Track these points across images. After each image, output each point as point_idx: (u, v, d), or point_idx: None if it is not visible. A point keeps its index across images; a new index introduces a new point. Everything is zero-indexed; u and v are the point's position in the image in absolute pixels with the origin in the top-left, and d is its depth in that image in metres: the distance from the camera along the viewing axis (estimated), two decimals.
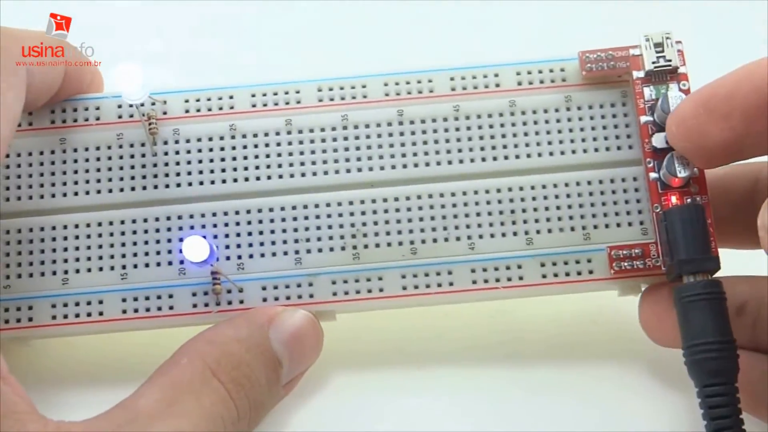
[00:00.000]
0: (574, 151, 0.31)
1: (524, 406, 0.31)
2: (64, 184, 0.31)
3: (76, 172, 0.31)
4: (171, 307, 0.30)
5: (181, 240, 0.30)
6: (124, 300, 0.30)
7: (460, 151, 0.31)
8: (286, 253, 0.30)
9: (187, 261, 0.30)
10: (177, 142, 0.31)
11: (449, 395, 0.31)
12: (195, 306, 0.30)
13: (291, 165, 0.31)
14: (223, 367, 0.27)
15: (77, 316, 0.30)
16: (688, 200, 0.29)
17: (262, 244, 0.30)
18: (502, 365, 0.32)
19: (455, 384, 0.32)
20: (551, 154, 0.31)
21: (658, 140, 0.30)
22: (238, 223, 0.31)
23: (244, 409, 0.27)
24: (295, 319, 0.29)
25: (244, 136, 0.31)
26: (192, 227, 0.30)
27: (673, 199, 0.29)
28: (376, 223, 0.30)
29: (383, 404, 0.31)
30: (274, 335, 0.29)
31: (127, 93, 0.29)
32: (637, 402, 0.31)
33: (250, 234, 0.30)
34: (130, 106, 0.31)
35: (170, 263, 0.30)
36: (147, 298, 0.30)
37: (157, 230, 0.30)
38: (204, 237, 0.29)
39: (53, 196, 0.31)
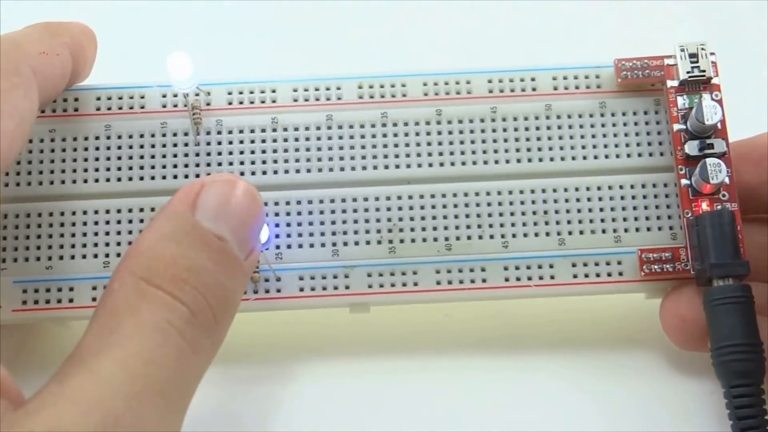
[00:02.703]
0: (607, 156, 0.32)
1: (529, 395, 0.32)
2: (108, 169, 0.31)
3: (119, 158, 0.32)
4: None
5: None
6: None
7: (496, 151, 0.32)
8: (323, 245, 0.31)
9: None
10: (219, 132, 0.32)
11: (448, 387, 0.32)
12: None
13: (330, 159, 0.32)
14: (156, 272, 0.24)
15: None
16: (719, 207, 0.30)
17: (300, 235, 0.31)
18: (504, 356, 0.32)
19: (455, 375, 0.32)
20: (585, 157, 0.32)
21: (690, 148, 0.31)
22: (277, 214, 0.31)
23: (197, 303, 0.24)
24: (216, 188, 0.26)
25: (285, 129, 0.32)
26: None
27: (704, 206, 0.30)
28: (412, 219, 0.31)
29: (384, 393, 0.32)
30: (202, 215, 0.25)
31: (177, 81, 0.29)
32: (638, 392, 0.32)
33: (288, 225, 0.31)
34: (175, 96, 0.32)
35: None
36: None
37: None
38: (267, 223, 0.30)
39: (96, 180, 0.31)
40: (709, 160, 0.30)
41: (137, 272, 0.24)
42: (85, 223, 0.31)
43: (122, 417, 0.22)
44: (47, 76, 0.29)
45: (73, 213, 0.31)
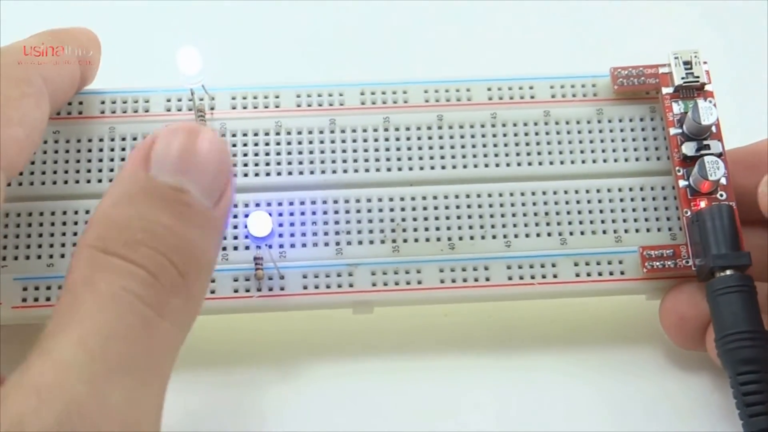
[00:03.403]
0: (605, 160, 0.32)
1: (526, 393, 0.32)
2: (111, 170, 0.32)
3: (123, 159, 0.32)
4: (212, 291, 0.30)
5: (246, 218, 0.30)
6: None
7: (496, 155, 0.32)
8: (327, 244, 0.31)
9: (251, 236, 0.29)
10: (224, 135, 0.32)
11: (447, 386, 0.32)
12: (236, 291, 0.30)
13: (334, 161, 0.32)
14: (109, 239, 0.22)
15: None
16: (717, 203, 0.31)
17: (304, 234, 0.31)
18: (504, 355, 0.32)
19: (455, 375, 0.32)
20: (583, 162, 0.32)
21: (687, 148, 0.31)
22: (280, 214, 0.31)
23: (156, 263, 0.22)
24: (171, 138, 0.24)
25: (289, 133, 0.32)
26: (236, 216, 0.31)
27: (702, 204, 0.31)
28: (415, 219, 0.31)
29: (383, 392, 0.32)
30: (157, 170, 0.23)
31: (186, 76, 0.30)
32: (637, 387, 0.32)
33: (292, 224, 0.31)
34: (179, 100, 0.32)
35: None
36: None
37: None
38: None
39: (100, 181, 0.31)
40: (707, 158, 0.30)
41: (90, 243, 0.23)
42: (86, 222, 0.31)
43: (86, 403, 0.20)
44: (57, 85, 0.30)
45: (75, 212, 0.31)
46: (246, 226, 0.29)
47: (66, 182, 0.31)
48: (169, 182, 0.23)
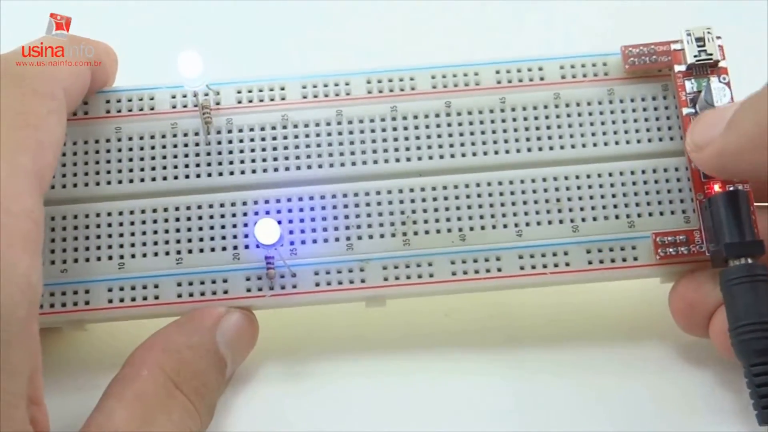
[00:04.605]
0: (617, 142, 0.32)
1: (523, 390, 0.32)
2: (119, 171, 0.32)
3: (131, 159, 0.32)
4: (225, 291, 0.30)
5: (255, 216, 0.30)
6: (179, 284, 0.31)
7: (506, 141, 0.32)
8: (337, 240, 0.31)
9: (260, 243, 0.29)
10: (230, 131, 0.32)
11: (449, 387, 0.32)
12: (249, 290, 0.30)
13: (341, 154, 0.32)
14: (183, 378, 0.28)
15: (133, 299, 0.30)
16: (731, 188, 0.30)
17: (314, 230, 0.31)
18: (506, 355, 0.32)
19: (456, 375, 0.32)
20: (595, 144, 0.32)
21: None
22: (290, 210, 0.31)
23: (204, 417, 0.29)
24: (236, 318, 0.30)
25: (295, 126, 0.32)
26: (245, 214, 0.31)
27: (716, 188, 0.30)
28: (425, 211, 0.31)
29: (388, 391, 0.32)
30: (220, 337, 0.30)
31: (188, 80, 0.30)
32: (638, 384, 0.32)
33: (302, 221, 0.31)
34: (184, 96, 0.32)
35: (224, 249, 0.31)
36: (202, 283, 0.31)
37: (212, 216, 0.31)
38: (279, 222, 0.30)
39: (108, 183, 0.31)
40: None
41: (167, 371, 0.28)
42: (98, 226, 0.31)
43: None
44: (73, 97, 0.30)
45: (86, 216, 0.31)
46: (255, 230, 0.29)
47: (75, 185, 0.31)
48: (223, 353, 0.30)
